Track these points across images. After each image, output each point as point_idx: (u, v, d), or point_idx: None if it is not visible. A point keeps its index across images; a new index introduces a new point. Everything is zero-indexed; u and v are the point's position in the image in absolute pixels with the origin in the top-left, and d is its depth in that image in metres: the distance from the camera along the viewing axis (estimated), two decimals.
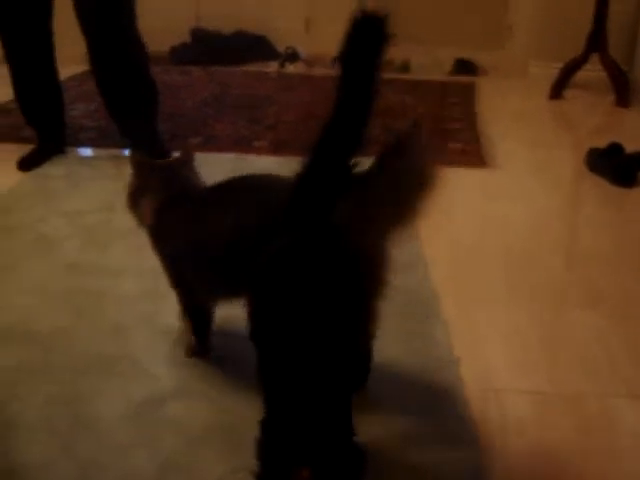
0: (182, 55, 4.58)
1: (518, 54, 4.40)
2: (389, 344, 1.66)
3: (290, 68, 4.55)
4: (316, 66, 4.56)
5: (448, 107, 3.67)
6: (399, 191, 1.20)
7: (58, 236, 2.19)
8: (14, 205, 2.42)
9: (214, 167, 2.74)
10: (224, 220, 1.40)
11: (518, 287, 1.95)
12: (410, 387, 1.53)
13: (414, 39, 4.51)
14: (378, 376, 1.56)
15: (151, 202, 1.56)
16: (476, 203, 2.48)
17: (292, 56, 4.62)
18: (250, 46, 4.67)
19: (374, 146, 3.10)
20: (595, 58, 3.79)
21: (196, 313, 1.61)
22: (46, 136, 2.89)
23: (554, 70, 3.93)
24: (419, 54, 4.51)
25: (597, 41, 3.74)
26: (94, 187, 2.56)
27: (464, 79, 4.32)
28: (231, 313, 1.51)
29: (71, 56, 3.23)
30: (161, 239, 1.55)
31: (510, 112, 3.63)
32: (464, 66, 4.46)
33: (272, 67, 4.56)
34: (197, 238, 1.44)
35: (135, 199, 1.60)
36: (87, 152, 3.00)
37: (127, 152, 2.82)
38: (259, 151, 2.96)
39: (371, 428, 1.40)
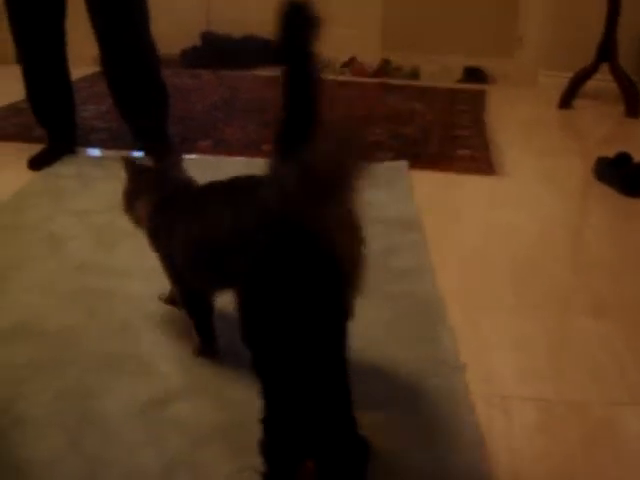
0: (192, 58, 4.61)
1: (528, 63, 4.41)
2: (395, 349, 1.67)
3: None
4: (325, 71, 4.58)
5: (457, 114, 3.68)
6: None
7: (67, 235, 2.20)
8: (24, 204, 2.44)
9: (224, 170, 2.76)
10: (213, 218, 1.45)
11: (524, 294, 1.95)
12: (415, 392, 1.53)
13: (424, 47, 4.53)
14: (384, 380, 1.56)
15: (146, 204, 1.61)
16: (484, 210, 2.49)
17: None
18: (260, 50, 4.68)
19: (384, 151, 3.11)
20: (605, 68, 3.79)
21: (197, 309, 1.64)
22: (57, 136, 2.90)
23: (564, 80, 3.94)
24: (429, 62, 4.52)
25: (607, 51, 3.75)
26: (104, 187, 2.57)
27: (473, 87, 4.33)
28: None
29: (83, 57, 3.25)
30: (157, 238, 1.59)
31: (519, 121, 3.64)
32: (473, 74, 4.48)
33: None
34: (189, 235, 1.49)
35: (130, 201, 1.66)
36: (97, 153, 3.02)
37: (135, 154, 2.84)
38: (268, 155, 2.96)
39: (375, 432, 1.41)
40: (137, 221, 1.67)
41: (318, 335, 1.19)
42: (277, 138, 1.25)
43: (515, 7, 4.41)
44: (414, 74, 4.53)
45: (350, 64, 4.62)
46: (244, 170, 2.76)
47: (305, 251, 1.15)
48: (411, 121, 3.51)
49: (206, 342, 1.64)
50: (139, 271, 1.99)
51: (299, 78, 1.21)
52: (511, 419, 1.47)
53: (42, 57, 2.76)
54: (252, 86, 4.20)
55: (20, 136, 3.15)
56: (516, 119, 3.67)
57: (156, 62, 2.79)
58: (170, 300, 1.80)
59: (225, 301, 1.55)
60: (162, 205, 1.58)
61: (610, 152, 2.83)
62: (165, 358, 1.63)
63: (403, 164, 2.83)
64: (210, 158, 2.92)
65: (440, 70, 4.50)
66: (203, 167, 2.76)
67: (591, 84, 3.90)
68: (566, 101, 3.90)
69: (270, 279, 1.13)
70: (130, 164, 1.67)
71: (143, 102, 2.80)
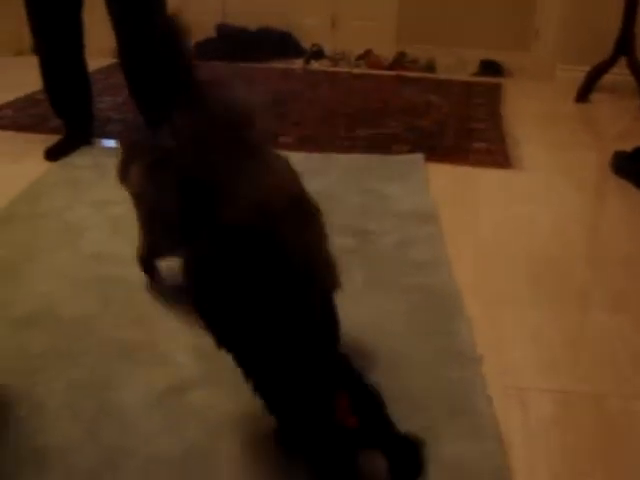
0: (207, 50, 4.60)
1: (545, 57, 4.38)
2: (412, 341, 1.67)
3: (315, 65, 4.56)
4: (341, 63, 4.57)
5: (473, 107, 3.67)
6: None
7: (84, 225, 2.21)
8: (41, 194, 2.45)
9: None
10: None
11: (541, 288, 1.94)
12: (432, 383, 1.53)
13: (440, 39, 4.52)
14: (401, 372, 1.56)
15: (137, 169, 1.72)
16: (500, 203, 2.48)
17: (317, 53, 4.63)
18: (275, 43, 4.69)
19: (400, 144, 3.11)
20: (622, 62, 3.76)
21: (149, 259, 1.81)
22: (74, 127, 2.91)
23: (581, 73, 3.92)
24: (444, 54, 4.51)
25: (625, 44, 3.72)
26: None
27: (490, 80, 4.31)
28: None
29: (99, 49, 3.26)
30: (142, 201, 1.72)
31: (536, 114, 3.62)
32: (490, 67, 4.46)
33: (297, 64, 4.58)
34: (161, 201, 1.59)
35: (124, 171, 1.77)
36: (113, 144, 3.02)
37: None
38: (284, 147, 2.97)
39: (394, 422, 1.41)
40: (131, 188, 1.75)
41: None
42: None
43: (532, 0, 4.39)
44: (430, 67, 4.51)
45: (366, 56, 4.61)
46: None
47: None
48: (427, 114, 3.51)
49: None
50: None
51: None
52: (528, 411, 1.47)
53: (59, 48, 2.76)
54: (267, 78, 4.20)
55: (37, 127, 3.16)
56: (533, 113, 3.65)
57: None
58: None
59: None
60: (152, 168, 1.66)
61: (627, 146, 2.81)
62: (181, 347, 1.63)
63: (419, 157, 2.82)
64: None
65: (456, 63, 4.48)
66: None
67: (608, 78, 3.87)
68: (583, 95, 3.88)
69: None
70: (124, 138, 1.72)
71: (159, 93, 2.79)
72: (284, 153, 1.64)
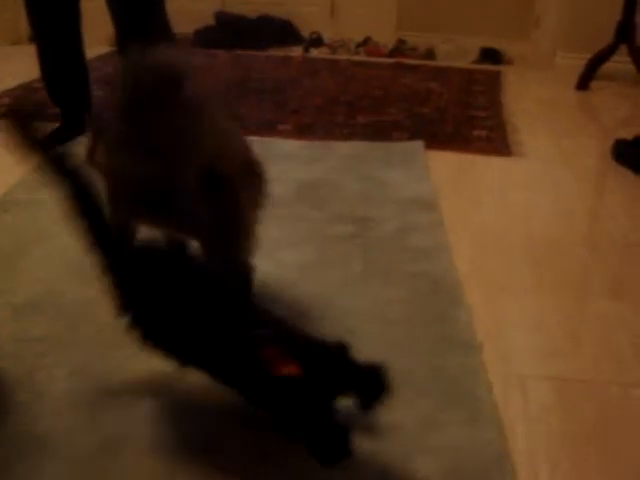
0: (206, 38, 4.59)
1: (545, 44, 4.37)
2: (412, 328, 1.67)
3: (314, 53, 4.55)
4: (340, 51, 4.56)
5: (473, 95, 3.66)
6: None
7: None
8: (39, 182, 2.43)
9: None
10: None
11: (542, 275, 1.94)
12: (432, 371, 1.53)
13: (439, 27, 4.50)
14: (400, 360, 1.56)
15: (102, 147, 1.76)
16: (500, 191, 2.47)
17: (316, 41, 4.61)
18: (274, 30, 4.67)
19: (400, 131, 3.11)
20: (623, 49, 3.75)
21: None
22: (71, 115, 2.90)
23: (581, 61, 3.90)
24: (444, 42, 4.49)
25: (625, 32, 3.72)
26: None
27: (490, 68, 4.30)
28: None
29: (97, 37, 3.25)
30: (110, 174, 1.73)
31: (536, 102, 3.61)
32: (490, 55, 4.45)
33: (296, 52, 4.56)
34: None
35: (92, 152, 1.80)
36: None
37: None
38: (284, 135, 2.96)
39: (392, 411, 1.41)
40: (98, 168, 1.76)
41: None
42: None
43: None
44: (429, 54, 4.50)
45: (365, 44, 4.60)
46: (260, 150, 2.77)
47: None
48: (427, 101, 3.50)
49: None
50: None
51: None
52: (528, 398, 1.46)
53: (57, 36, 2.75)
54: (266, 66, 4.18)
55: (34, 115, 3.14)
56: (533, 100, 3.64)
57: (171, 41, 2.78)
58: None
59: None
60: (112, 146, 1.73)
61: (628, 134, 2.81)
62: None
63: (419, 144, 2.81)
64: None
65: (456, 51, 4.47)
66: None
67: (609, 66, 3.86)
68: (584, 83, 3.87)
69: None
70: (93, 124, 1.94)
71: None
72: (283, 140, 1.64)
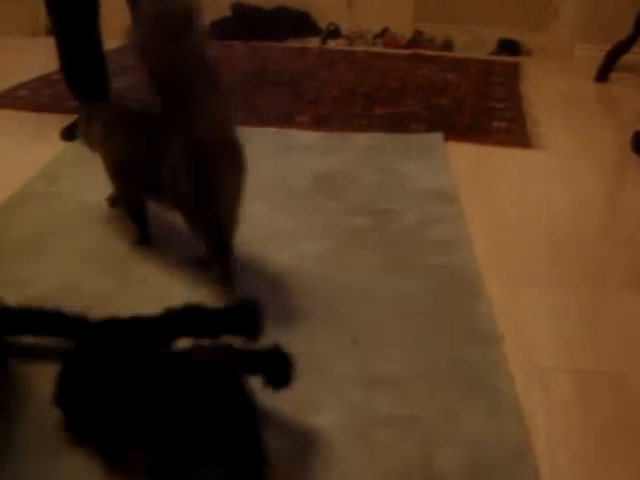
0: (222, 29, 4.58)
1: (564, 35, 4.33)
2: (432, 320, 1.66)
3: (332, 44, 4.54)
4: (358, 42, 4.54)
5: (492, 86, 3.63)
6: None
7: (102, 204, 2.20)
8: (58, 173, 2.45)
9: (257, 141, 2.75)
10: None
11: (562, 267, 1.93)
12: (453, 363, 1.52)
13: (457, 18, 4.48)
14: (421, 351, 1.56)
15: (98, 126, 1.97)
16: (520, 183, 2.46)
17: (334, 32, 4.60)
18: (292, 22, 4.66)
19: (418, 123, 3.09)
20: None
21: (132, 207, 2.01)
22: None
23: (600, 52, 3.87)
24: (462, 33, 4.47)
25: None
26: None
27: (508, 59, 4.27)
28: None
29: (113, 30, 3.25)
30: (106, 152, 1.95)
31: (555, 94, 3.59)
32: (508, 46, 4.41)
33: (314, 43, 4.55)
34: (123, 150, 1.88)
35: (87, 132, 2.03)
36: None
37: None
38: (301, 126, 2.96)
39: (413, 403, 1.41)
40: (93, 146, 2.02)
41: None
42: None
43: None
44: (447, 45, 4.48)
45: (383, 35, 4.58)
46: (277, 141, 2.77)
47: None
48: (445, 92, 3.48)
49: (141, 233, 1.99)
50: (174, 239, 1.99)
51: None
52: (548, 390, 1.46)
53: (76, 28, 2.75)
54: (283, 57, 4.17)
55: (53, 107, 3.16)
56: (552, 92, 3.61)
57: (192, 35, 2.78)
58: (113, 202, 2.15)
59: None
60: (110, 124, 1.94)
61: None
62: None
63: (438, 136, 2.80)
64: (243, 129, 2.90)
65: (473, 42, 4.44)
66: None
67: (628, 57, 3.82)
68: (603, 74, 3.83)
69: None
70: (84, 108, 2.14)
71: None
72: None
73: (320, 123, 2.99)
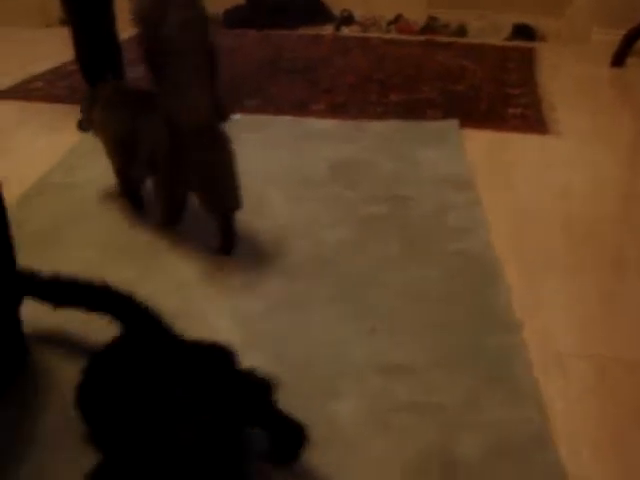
0: (236, 18, 4.57)
1: (579, 20, 4.30)
2: (451, 307, 1.66)
3: (345, 31, 4.52)
4: (371, 29, 4.53)
5: (508, 72, 3.61)
6: None
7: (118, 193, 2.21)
8: (75, 164, 2.46)
9: (273, 129, 2.76)
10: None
11: (580, 254, 1.92)
12: (471, 350, 1.52)
13: (471, 3, 4.45)
14: (439, 339, 1.56)
15: (98, 107, 2.07)
16: (536, 169, 2.45)
17: (347, 19, 4.58)
18: (305, 9, 4.64)
19: (434, 110, 3.08)
20: None
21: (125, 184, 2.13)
22: None
23: (616, 37, 3.83)
24: (476, 19, 4.44)
25: None
26: None
27: (523, 44, 4.24)
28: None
29: (127, 19, 3.25)
30: (104, 129, 2.06)
31: (571, 79, 3.56)
32: (523, 32, 4.38)
33: (327, 30, 4.54)
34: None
35: (89, 115, 2.13)
36: None
37: None
38: (316, 114, 2.95)
39: (432, 390, 1.41)
40: (93, 125, 2.12)
41: None
42: None
43: None
44: (461, 31, 4.45)
45: (396, 22, 4.56)
46: (292, 129, 2.77)
47: None
48: (460, 79, 3.46)
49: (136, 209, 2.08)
50: (193, 229, 2.00)
51: None
52: (567, 377, 1.46)
53: (90, 17, 2.75)
54: (297, 45, 4.16)
55: (68, 98, 3.16)
56: (568, 77, 3.59)
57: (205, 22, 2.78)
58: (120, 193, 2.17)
59: None
60: (109, 102, 2.06)
61: None
62: (220, 312, 1.64)
63: (453, 122, 2.79)
64: (258, 117, 2.91)
65: (488, 27, 4.41)
66: (251, 126, 2.76)
67: None
68: (619, 59, 3.80)
69: None
70: (86, 94, 2.24)
71: None
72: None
73: (335, 111, 2.99)
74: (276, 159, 2.49)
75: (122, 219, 2.08)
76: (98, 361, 1.31)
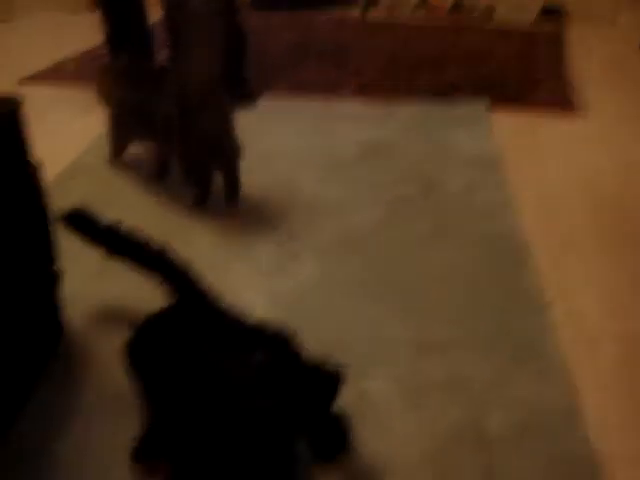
0: (264, 1, 4.58)
1: (608, 1, 4.27)
2: (479, 288, 1.69)
3: (372, 13, 4.52)
4: (398, 11, 4.52)
5: (536, 54, 3.60)
6: None
7: (151, 175, 2.25)
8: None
9: (302, 112, 2.78)
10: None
11: (608, 235, 1.93)
12: (501, 329, 1.55)
13: None
14: (468, 319, 1.58)
15: (109, 80, 2.25)
16: (565, 151, 2.45)
17: (374, 1, 4.58)
18: None
19: (463, 91, 3.07)
20: None
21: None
22: None
23: None
24: (503, 1, 4.42)
25: None
26: None
27: (551, 26, 4.22)
28: None
29: (154, 2, 3.28)
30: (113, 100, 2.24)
31: (599, 60, 3.54)
32: (551, 13, 4.36)
33: (354, 12, 4.53)
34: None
35: (101, 88, 2.30)
36: None
37: None
38: (345, 96, 2.97)
39: (462, 368, 1.43)
40: (105, 97, 2.28)
41: None
42: None
43: None
44: (489, 13, 4.43)
45: (424, 4, 4.55)
46: (322, 112, 2.79)
47: None
48: (488, 61, 3.46)
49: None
50: (223, 210, 2.04)
51: None
52: (596, 355, 1.48)
53: (121, 0, 2.79)
54: (325, 28, 4.17)
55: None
56: (596, 59, 3.57)
57: (233, 5, 2.80)
58: (158, 174, 2.24)
59: None
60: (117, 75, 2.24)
61: None
62: (256, 292, 1.69)
63: (482, 104, 2.80)
64: (287, 100, 2.93)
65: (515, 9, 4.39)
66: (281, 109, 2.79)
67: None
68: None
69: None
70: (100, 68, 2.39)
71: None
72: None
73: (364, 93, 3.00)
74: (306, 141, 2.51)
75: (155, 201, 2.11)
76: (152, 321, 1.32)
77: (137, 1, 2.81)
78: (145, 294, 1.47)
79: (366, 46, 3.75)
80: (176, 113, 1.97)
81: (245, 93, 2.86)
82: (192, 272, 1.43)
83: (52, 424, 1.32)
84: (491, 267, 1.76)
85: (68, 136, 2.60)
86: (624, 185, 2.20)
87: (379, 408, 1.34)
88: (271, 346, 1.21)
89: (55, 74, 3.35)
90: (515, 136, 2.55)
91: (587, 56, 3.61)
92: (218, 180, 2.05)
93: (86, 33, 3.51)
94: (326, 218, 2.00)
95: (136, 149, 2.34)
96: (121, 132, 2.30)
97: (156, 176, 2.23)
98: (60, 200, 2.10)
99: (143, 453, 1.14)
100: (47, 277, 1.47)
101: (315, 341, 1.47)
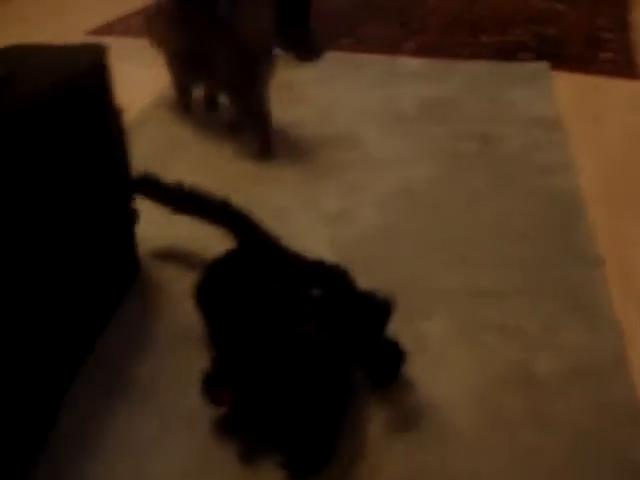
0: None
1: None
2: (533, 241, 1.73)
3: None
4: None
5: (601, 16, 3.57)
6: None
7: (219, 127, 2.32)
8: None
9: (365, 68, 2.82)
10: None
11: None
12: (553, 281, 1.59)
13: None
14: (521, 270, 1.63)
15: (160, 21, 2.38)
16: (626, 114, 2.45)
17: None
18: None
19: (525, 52, 3.07)
20: None
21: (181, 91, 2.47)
22: None
23: None
24: None
25: None
26: None
27: None
28: None
29: None
30: (168, 42, 2.36)
31: None
32: None
33: None
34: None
35: (151, 28, 2.44)
36: None
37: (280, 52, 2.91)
38: (407, 53, 3.00)
39: (515, 314, 1.49)
40: (155, 38, 2.41)
41: None
42: None
43: None
44: None
45: None
46: (384, 68, 2.82)
47: None
48: (552, 22, 3.44)
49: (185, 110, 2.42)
50: (288, 160, 2.12)
51: None
52: None
53: None
54: None
55: None
56: None
57: None
58: (230, 127, 2.32)
59: None
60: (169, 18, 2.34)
61: None
62: (318, 241, 1.76)
63: (544, 65, 2.80)
64: (351, 55, 2.98)
65: None
66: (344, 64, 2.84)
67: None
68: None
69: None
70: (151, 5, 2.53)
71: (286, 2, 2.84)
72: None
73: (427, 50, 3.03)
74: (368, 96, 2.57)
75: (222, 150, 2.19)
76: (219, 263, 1.43)
77: None
78: (213, 239, 1.54)
79: (430, 4, 3.75)
80: (237, 63, 2.06)
81: (310, 47, 2.91)
82: (253, 219, 1.53)
83: (129, 352, 1.42)
84: (547, 221, 1.80)
85: (136, 87, 2.68)
86: None
87: (436, 346, 1.41)
88: (327, 280, 1.31)
89: (123, 25, 3.43)
90: (576, 97, 2.56)
91: None
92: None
93: None
94: (387, 170, 2.06)
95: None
96: (178, 74, 2.41)
97: (227, 127, 2.31)
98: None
99: (211, 384, 1.22)
100: (126, 215, 1.57)
101: (375, 285, 1.55)
